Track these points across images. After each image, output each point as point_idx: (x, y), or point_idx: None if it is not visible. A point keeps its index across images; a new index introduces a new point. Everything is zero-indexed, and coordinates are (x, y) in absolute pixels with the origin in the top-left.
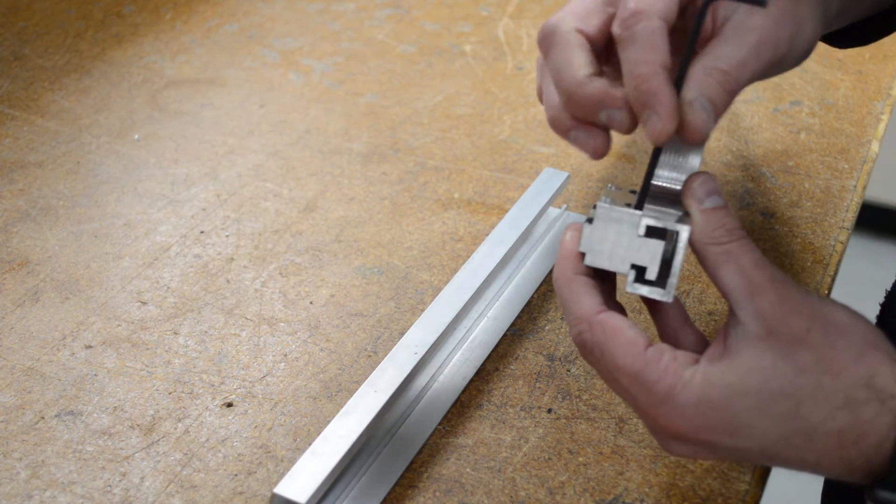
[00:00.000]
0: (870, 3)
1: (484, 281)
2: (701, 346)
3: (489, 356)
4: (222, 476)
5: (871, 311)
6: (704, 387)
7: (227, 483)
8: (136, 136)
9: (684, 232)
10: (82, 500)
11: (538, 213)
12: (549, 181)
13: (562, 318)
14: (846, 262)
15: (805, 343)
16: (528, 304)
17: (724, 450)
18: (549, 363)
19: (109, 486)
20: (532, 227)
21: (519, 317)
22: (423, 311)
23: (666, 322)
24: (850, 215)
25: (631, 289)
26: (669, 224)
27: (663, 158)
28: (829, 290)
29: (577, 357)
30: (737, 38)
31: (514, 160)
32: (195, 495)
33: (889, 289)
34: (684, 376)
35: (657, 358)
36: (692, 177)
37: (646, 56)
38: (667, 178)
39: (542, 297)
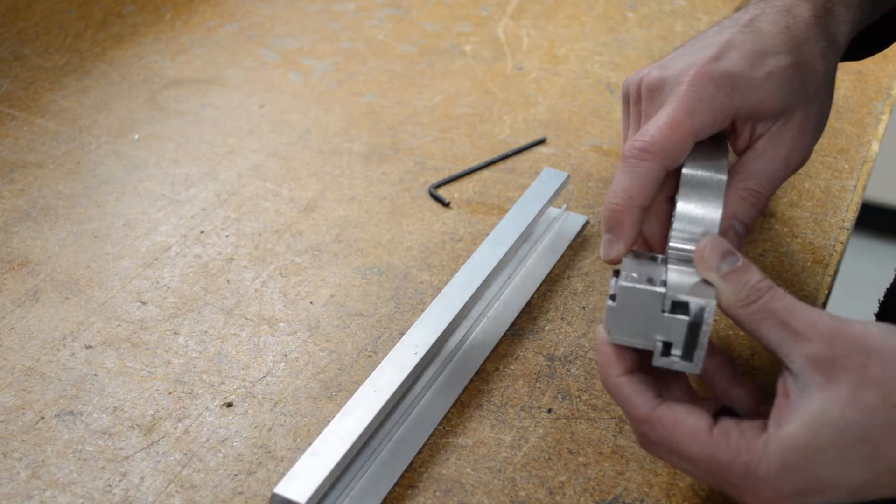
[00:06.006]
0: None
1: (484, 281)
2: (753, 399)
3: (489, 356)
4: (222, 476)
5: (871, 311)
6: (781, 454)
7: (227, 483)
8: (136, 136)
9: (709, 307)
10: (82, 500)
11: (538, 213)
12: (549, 181)
13: (562, 318)
14: (846, 262)
15: (867, 382)
16: (528, 304)
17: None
18: (549, 363)
19: (109, 486)
20: (532, 227)
21: (519, 317)
22: (423, 311)
23: (715, 383)
24: (850, 215)
25: (658, 362)
26: (693, 299)
27: (683, 211)
28: (829, 290)
29: (577, 357)
30: (769, 151)
31: (514, 160)
32: (195, 495)
33: (889, 286)
34: (758, 450)
35: (725, 438)
36: (700, 245)
37: (632, 193)
38: (685, 232)
39: (542, 297)
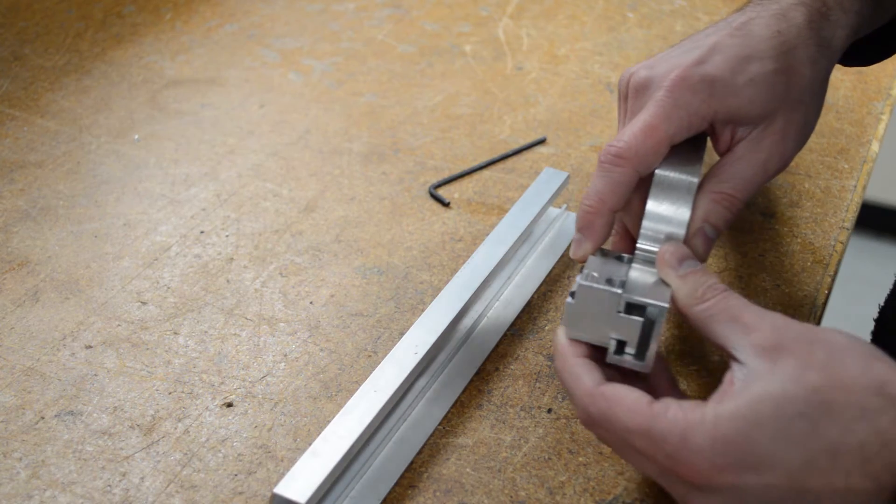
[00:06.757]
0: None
1: (484, 281)
2: None
3: (489, 356)
4: (222, 476)
5: (872, 312)
6: (718, 424)
7: (227, 483)
8: (136, 136)
9: (662, 308)
10: (82, 500)
11: (538, 213)
12: (549, 181)
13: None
14: (846, 262)
15: (811, 365)
16: (528, 304)
17: (753, 490)
18: (549, 363)
19: (109, 486)
20: (532, 227)
21: (519, 317)
22: (423, 311)
23: (655, 389)
24: (850, 215)
25: (611, 359)
26: (648, 301)
27: (653, 211)
28: (829, 290)
29: None
30: (747, 156)
31: (514, 160)
32: (195, 495)
33: (890, 291)
34: (695, 419)
35: (664, 411)
36: (662, 249)
37: (604, 196)
38: (653, 231)
39: (542, 297)
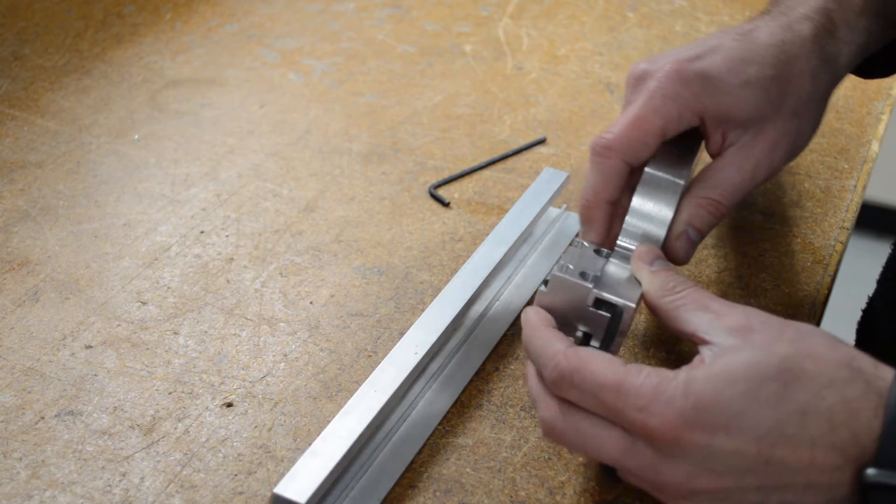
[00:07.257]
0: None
1: (484, 281)
2: None
3: (489, 356)
4: (222, 476)
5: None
6: (690, 382)
7: (227, 483)
8: (136, 136)
9: (629, 307)
10: (82, 500)
11: (538, 213)
12: (549, 181)
13: None
14: (846, 262)
15: (782, 340)
16: (529, 304)
17: (721, 455)
18: None
19: (109, 486)
20: (532, 227)
21: (519, 317)
22: (423, 311)
23: None
24: (850, 215)
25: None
26: (616, 300)
27: (637, 208)
28: (829, 290)
29: None
30: (737, 162)
31: (514, 160)
32: (195, 495)
33: (878, 279)
34: (668, 376)
35: (637, 369)
36: (638, 248)
37: (598, 189)
38: (635, 227)
39: None
